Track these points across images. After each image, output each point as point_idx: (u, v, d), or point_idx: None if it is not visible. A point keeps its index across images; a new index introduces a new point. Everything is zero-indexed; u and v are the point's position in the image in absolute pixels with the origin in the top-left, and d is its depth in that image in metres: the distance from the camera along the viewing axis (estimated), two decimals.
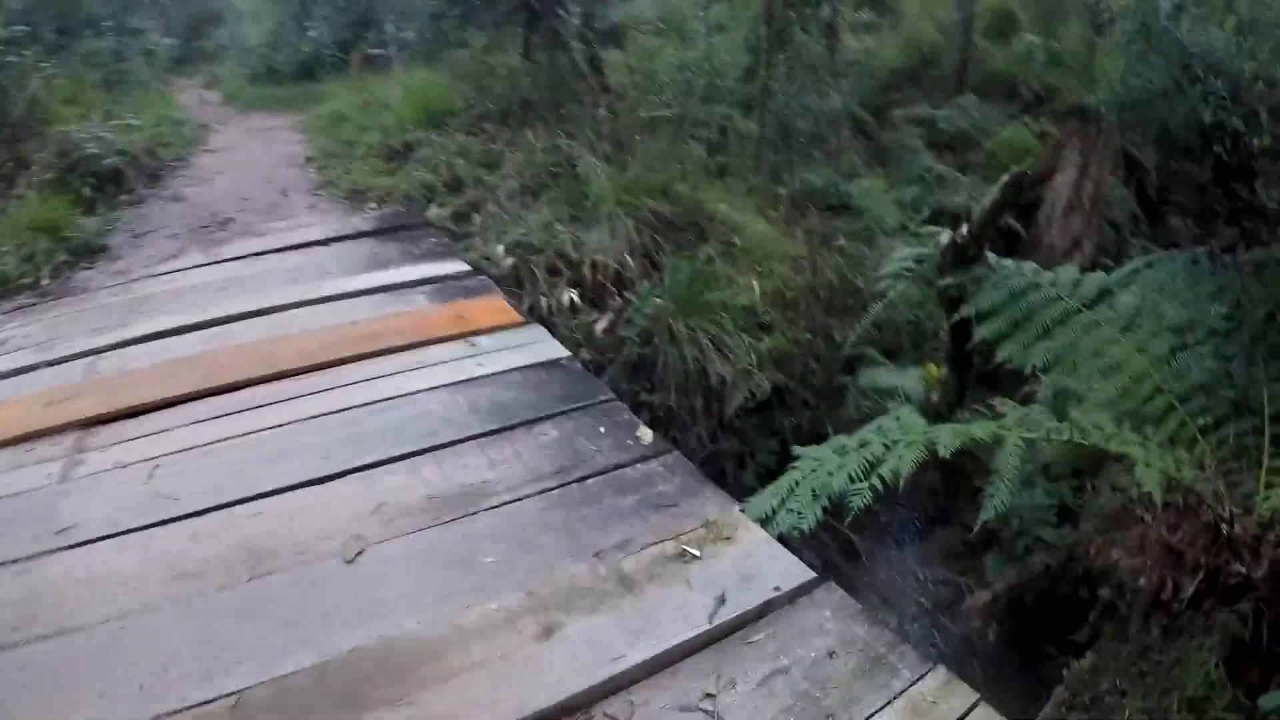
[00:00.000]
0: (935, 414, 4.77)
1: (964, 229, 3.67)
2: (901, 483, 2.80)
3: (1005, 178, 3.59)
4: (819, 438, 5.32)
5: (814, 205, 6.73)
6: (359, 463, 3.24)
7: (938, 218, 7.24)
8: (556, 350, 4.21)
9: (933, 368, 4.98)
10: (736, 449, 5.03)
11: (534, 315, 5.13)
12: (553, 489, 3.09)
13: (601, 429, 3.49)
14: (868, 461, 2.94)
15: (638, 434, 3.43)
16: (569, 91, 7.33)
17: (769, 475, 5.13)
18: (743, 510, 2.94)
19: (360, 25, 13.32)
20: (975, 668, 4.14)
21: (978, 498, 4.75)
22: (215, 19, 19.35)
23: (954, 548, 4.77)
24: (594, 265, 5.30)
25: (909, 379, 5.35)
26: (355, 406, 3.67)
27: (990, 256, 3.74)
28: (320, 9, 14.11)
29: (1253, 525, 3.00)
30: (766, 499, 3.01)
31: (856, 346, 5.60)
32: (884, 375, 5.47)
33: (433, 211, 6.10)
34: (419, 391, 3.78)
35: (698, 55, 7.12)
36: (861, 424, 5.33)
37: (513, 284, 5.25)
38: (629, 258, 5.38)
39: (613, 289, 5.29)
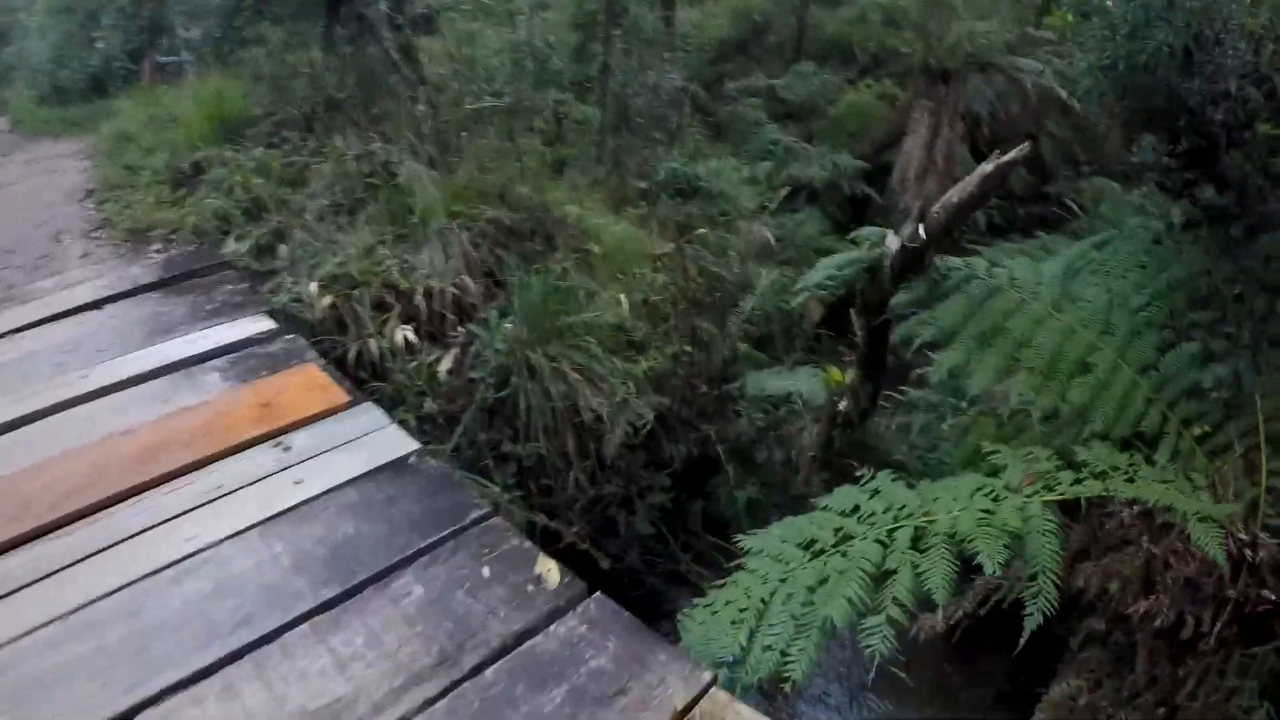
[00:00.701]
0: (846, 423, 3.85)
1: (916, 229, 2.60)
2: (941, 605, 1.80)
3: (988, 168, 2.51)
4: (711, 463, 4.31)
5: (664, 193, 5.64)
6: (147, 689, 1.96)
7: (795, 193, 6.30)
8: (400, 441, 2.89)
9: (834, 372, 3.99)
10: (621, 492, 3.95)
11: (362, 363, 3.87)
12: (439, 698, 1.88)
13: (485, 569, 2.26)
14: (865, 573, 1.93)
15: (537, 571, 2.22)
16: (381, 87, 5.90)
17: (665, 516, 4.08)
18: (713, 676, 1.84)
19: (152, 31, 11.20)
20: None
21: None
22: (3, 38, 16.56)
23: None
24: (428, 293, 4.06)
25: (802, 381, 4.37)
26: (134, 581, 2.31)
27: (937, 260, 2.69)
28: (108, 17, 11.92)
29: (1275, 547, 2.35)
30: (726, 633, 1.98)
31: (733, 346, 4.57)
32: (773, 380, 4.49)
33: (230, 247, 4.58)
34: (220, 541, 2.44)
35: (523, 36, 5.84)
36: (757, 442, 4.39)
37: (333, 328, 3.96)
38: (469, 279, 4.16)
39: (454, 319, 4.07)
